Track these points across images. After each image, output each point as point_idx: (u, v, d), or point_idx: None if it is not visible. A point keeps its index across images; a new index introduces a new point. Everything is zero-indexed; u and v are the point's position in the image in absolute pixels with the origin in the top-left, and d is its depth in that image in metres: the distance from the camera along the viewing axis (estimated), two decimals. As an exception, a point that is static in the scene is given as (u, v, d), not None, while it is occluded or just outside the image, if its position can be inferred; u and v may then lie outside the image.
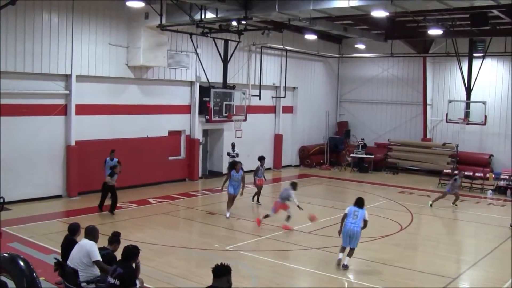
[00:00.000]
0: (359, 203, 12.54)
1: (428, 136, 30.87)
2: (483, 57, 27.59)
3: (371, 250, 13.98)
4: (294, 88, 30.61)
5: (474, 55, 27.88)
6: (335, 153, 31.82)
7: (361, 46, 29.73)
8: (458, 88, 28.63)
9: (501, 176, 25.39)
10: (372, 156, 29.85)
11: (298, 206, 15.73)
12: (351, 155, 30.37)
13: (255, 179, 19.72)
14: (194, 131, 24.62)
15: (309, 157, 30.91)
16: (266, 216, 16.15)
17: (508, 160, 27.59)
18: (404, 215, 18.93)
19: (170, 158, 23.81)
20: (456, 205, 20.68)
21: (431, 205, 20.62)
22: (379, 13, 17.73)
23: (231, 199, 17.55)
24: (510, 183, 24.38)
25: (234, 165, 17.75)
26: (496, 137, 28.45)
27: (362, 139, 30.75)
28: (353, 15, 20.56)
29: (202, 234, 16.04)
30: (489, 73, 28.38)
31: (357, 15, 19.37)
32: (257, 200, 19.94)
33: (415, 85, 31.10)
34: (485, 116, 26.39)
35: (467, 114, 26.93)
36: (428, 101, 30.71)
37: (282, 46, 27.81)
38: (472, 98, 27.40)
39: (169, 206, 19.14)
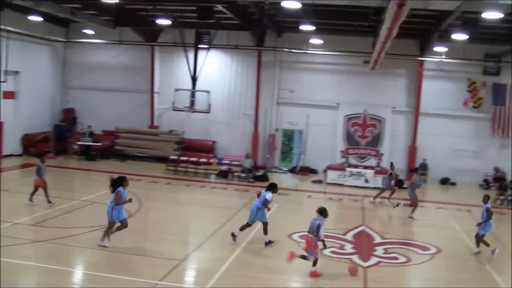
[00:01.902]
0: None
1: (156, 123, 31.49)
2: (208, 49, 29.12)
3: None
4: (16, 72, 28.25)
5: (200, 46, 29.17)
6: (62, 141, 30.36)
7: (89, 32, 28.85)
8: (184, 77, 29.59)
9: (223, 161, 27.30)
10: (100, 144, 29.32)
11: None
12: (78, 143, 29.40)
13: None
14: None
15: (35, 145, 28.94)
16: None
17: (229, 146, 29.78)
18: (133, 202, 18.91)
19: None
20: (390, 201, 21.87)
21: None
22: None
23: None
24: (231, 167, 26.24)
25: None
26: (219, 124, 30.36)
27: (89, 126, 29.94)
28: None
29: None
30: (213, 64, 30.11)
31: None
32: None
33: (144, 73, 31.37)
34: (209, 105, 27.79)
35: (192, 103, 28.04)
36: (156, 89, 31.33)
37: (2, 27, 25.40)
38: (198, 87, 28.58)
39: None
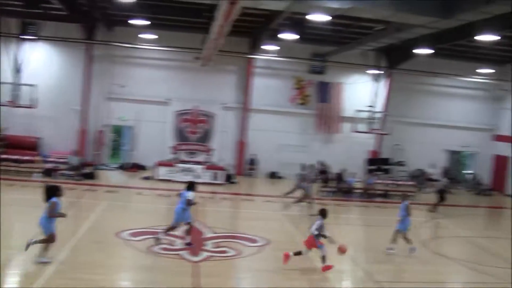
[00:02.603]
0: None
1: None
2: (34, 40, 27.35)
3: None
4: None
5: (25, 37, 27.22)
6: None
7: None
8: (6, 71, 27.38)
9: (49, 159, 25.70)
10: None
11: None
12: None
13: None
14: None
15: None
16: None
17: (56, 142, 28.09)
18: None
19: None
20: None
21: None
22: None
23: None
24: (58, 165, 24.82)
25: None
26: (45, 120, 28.44)
27: None
28: None
29: None
30: (40, 57, 28.25)
31: None
32: None
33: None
34: (35, 99, 26.06)
35: (15, 97, 26.11)
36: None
37: None
38: (23, 80, 26.77)
39: None
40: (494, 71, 31.05)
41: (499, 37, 18.95)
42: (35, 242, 11.71)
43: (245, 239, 15.76)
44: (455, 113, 32.51)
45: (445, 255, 15.56)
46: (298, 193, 21.65)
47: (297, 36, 22.29)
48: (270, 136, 30.01)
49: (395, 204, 24.41)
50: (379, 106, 30.75)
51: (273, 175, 30.13)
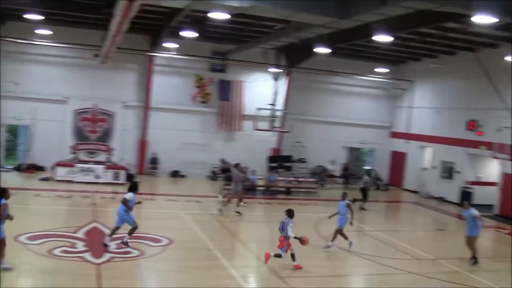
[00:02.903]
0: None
1: None
2: None
3: None
4: None
5: None
6: None
7: None
8: None
9: None
10: None
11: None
12: None
13: None
14: None
15: None
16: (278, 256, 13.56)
17: None
18: None
19: None
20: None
21: None
22: None
23: None
24: None
25: None
26: None
27: None
28: None
29: None
30: None
31: None
32: None
33: None
34: None
35: None
36: None
37: None
38: None
39: None
40: (389, 70, 32.67)
41: (393, 38, 20.00)
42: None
43: (148, 239, 15.63)
44: (354, 111, 33.75)
45: (347, 250, 16.17)
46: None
47: (197, 34, 22.30)
48: (172, 135, 29.81)
49: (297, 200, 25.34)
50: (280, 104, 31.36)
51: (176, 174, 29.98)
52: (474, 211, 15.63)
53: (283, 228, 13.56)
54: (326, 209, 20.63)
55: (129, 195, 14.40)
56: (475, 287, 13.52)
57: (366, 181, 25.31)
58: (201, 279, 12.51)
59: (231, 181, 21.44)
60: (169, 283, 12.21)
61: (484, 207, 22.69)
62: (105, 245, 14.15)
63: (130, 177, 26.08)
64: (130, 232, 14.45)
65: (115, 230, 14.50)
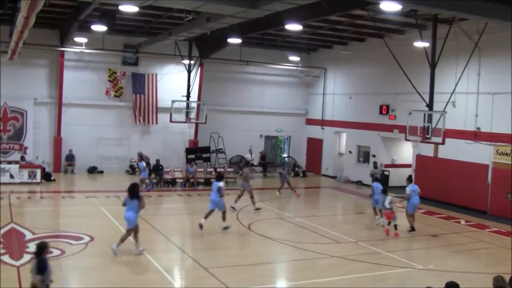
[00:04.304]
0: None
1: None
2: None
3: None
4: None
5: None
6: None
7: None
8: None
9: None
10: None
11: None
12: None
13: None
14: None
15: None
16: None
17: None
18: None
19: None
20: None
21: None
22: None
23: None
24: None
25: None
26: None
27: None
28: None
29: None
30: None
31: None
32: None
33: None
34: None
35: None
36: None
37: None
38: None
39: None
40: (301, 58, 33.52)
41: (303, 26, 20.57)
42: None
43: (69, 238, 15.49)
44: (270, 100, 34.42)
45: (269, 237, 16.66)
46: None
47: (108, 28, 22.03)
48: (87, 131, 29.29)
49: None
50: (195, 95, 31.48)
51: (93, 170, 29.53)
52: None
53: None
54: (247, 198, 21.13)
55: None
56: (395, 266, 14.33)
57: (283, 169, 25.95)
58: (126, 275, 12.60)
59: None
60: (94, 281, 12.19)
61: (400, 189, 23.85)
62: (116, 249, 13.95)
63: (46, 175, 25.52)
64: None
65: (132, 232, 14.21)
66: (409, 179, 18.90)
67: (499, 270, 11.97)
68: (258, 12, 17.86)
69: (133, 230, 14.02)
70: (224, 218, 17.16)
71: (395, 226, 17.53)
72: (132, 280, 12.24)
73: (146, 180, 24.74)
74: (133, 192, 14.01)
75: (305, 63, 34.41)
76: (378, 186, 18.98)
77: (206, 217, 17.03)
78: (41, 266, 8.46)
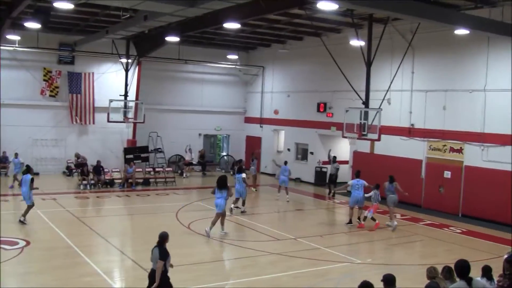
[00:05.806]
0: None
1: None
2: None
3: None
4: None
5: None
6: None
7: None
8: None
9: None
10: None
11: None
12: None
13: None
14: None
15: None
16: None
17: None
18: None
19: None
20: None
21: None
22: None
23: None
24: None
25: None
26: None
27: None
28: None
29: None
30: None
31: None
32: None
33: None
34: None
35: None
36: None
37: None
38: None
39: None
40: (239, 57, 33.64)
41: (240, 25, 20.64)
42: None
43: (3, 243, 15.00)
44: (208, 98, 34.36)
45: (213, 237, 16.65)
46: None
47: (42, 25, 21.45)
48: (22, 131, 28.36)
49: (157, 191, 25.48)
50: (132, 94, 31.08)
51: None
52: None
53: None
54: (186, 197, 21.07)
55: None
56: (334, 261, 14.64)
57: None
58: (64, 279, 12.33)
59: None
60: (30, 287, 11.88)
61: (338, 184, 24.37)
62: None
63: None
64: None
65: None
66: (357, 175, 19.79)
67: (432, 261, 12.48)
68: (197, 10, 17.87)
69: (221, 215, 16.49)
70: (243, 204, 20.75)
71: (364, 218, 18.76)
72: (70, 285, 11.98)
73: (18, 177, 23.99)
74: (222, 184, 16.53)
75: (244, 61, 34.57)
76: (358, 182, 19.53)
77: (235, 203, 20.48)
78: (163, 253, 9.65)
